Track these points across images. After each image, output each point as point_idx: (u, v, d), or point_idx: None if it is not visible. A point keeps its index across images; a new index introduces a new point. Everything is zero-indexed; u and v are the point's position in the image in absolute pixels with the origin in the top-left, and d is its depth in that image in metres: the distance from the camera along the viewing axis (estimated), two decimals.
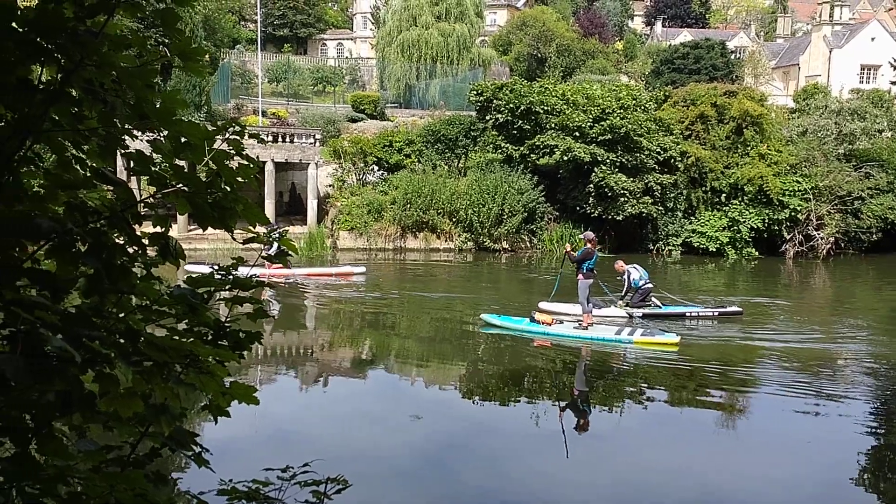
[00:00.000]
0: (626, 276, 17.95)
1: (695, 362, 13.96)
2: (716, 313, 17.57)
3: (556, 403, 11.88)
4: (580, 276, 15.73)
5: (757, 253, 31.36)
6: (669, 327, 16.48)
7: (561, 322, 15.92)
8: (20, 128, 2.09)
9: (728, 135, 32.59)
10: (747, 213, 31.30)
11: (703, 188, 32.30)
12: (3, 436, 2.25)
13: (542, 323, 15.70)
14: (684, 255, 31.72)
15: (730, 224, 31.50)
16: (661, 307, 17.80)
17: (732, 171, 31.86)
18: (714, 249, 31.31)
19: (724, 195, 32.01)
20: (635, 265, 18.39)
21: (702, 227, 31.84)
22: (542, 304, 17.51)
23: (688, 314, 17.56)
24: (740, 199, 31.65)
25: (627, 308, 17.66)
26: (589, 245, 15.90)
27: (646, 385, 12.95)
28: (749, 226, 31.19)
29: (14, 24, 2.06)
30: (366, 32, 79.27)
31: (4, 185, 2.06)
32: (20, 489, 2.02)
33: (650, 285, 17.99)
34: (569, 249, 16.49)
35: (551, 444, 9.84)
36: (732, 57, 56.91)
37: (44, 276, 1.98)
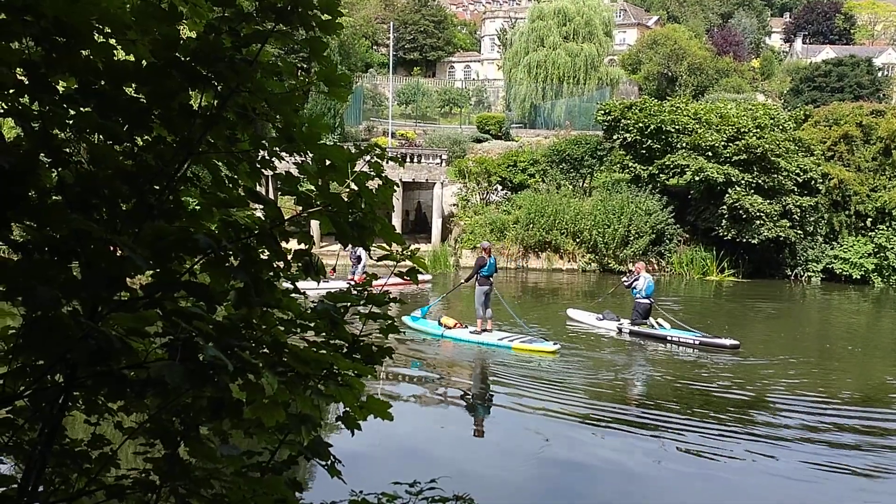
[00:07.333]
0: (636, 277, 17.96)
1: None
2: (697, 342, 16.84)
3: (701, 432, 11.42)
4: (476, 283, 16.66)
5: None
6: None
7: (465, 327, 16.94)
8: (181, 150, 2.24)
9: (875, 156, 30.82)
10: None
11: (847, 212, 30.62)
12: (155, 438, 2.41)
13: (446, 326, 16.86)
14: (825, 283, 30.07)
15: (876, 250, 29.75)
16: (656, 328, 17.57)
17: (879, 194, 30.08)
18: (858, 277, 29.62)
19: (869, 219, 30.28)
20: (650, 279, 18.09)
21: (845, 252, 30.19)
22: (570, 311, 19.59)
23: (669, 338, 17.22)
24: (888, 223, 29.83)
25: (620, 323, 18.04)
26: (484, 254, 16.77)
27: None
28: None
29: (177, 54, 2.22)
30: (493, 54, 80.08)
31: (166, 203, 2.21)
32: (173, 489, 2.15)
33: (647, 302, 17.73)
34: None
35: (688, 477, 9.46)
36: (880, 74, 53.99)
37: (200, 288, 2.11)
